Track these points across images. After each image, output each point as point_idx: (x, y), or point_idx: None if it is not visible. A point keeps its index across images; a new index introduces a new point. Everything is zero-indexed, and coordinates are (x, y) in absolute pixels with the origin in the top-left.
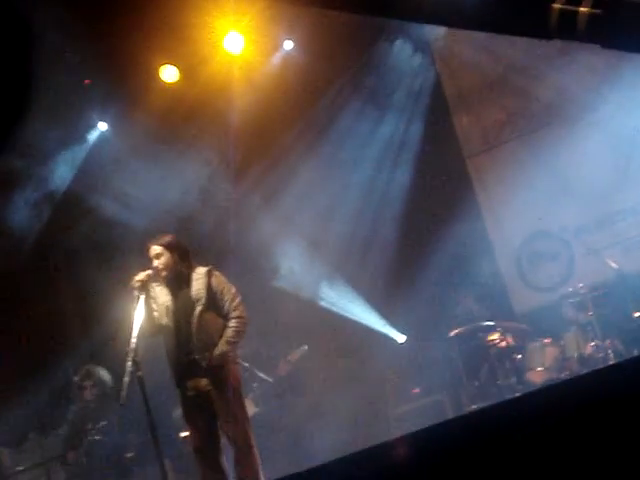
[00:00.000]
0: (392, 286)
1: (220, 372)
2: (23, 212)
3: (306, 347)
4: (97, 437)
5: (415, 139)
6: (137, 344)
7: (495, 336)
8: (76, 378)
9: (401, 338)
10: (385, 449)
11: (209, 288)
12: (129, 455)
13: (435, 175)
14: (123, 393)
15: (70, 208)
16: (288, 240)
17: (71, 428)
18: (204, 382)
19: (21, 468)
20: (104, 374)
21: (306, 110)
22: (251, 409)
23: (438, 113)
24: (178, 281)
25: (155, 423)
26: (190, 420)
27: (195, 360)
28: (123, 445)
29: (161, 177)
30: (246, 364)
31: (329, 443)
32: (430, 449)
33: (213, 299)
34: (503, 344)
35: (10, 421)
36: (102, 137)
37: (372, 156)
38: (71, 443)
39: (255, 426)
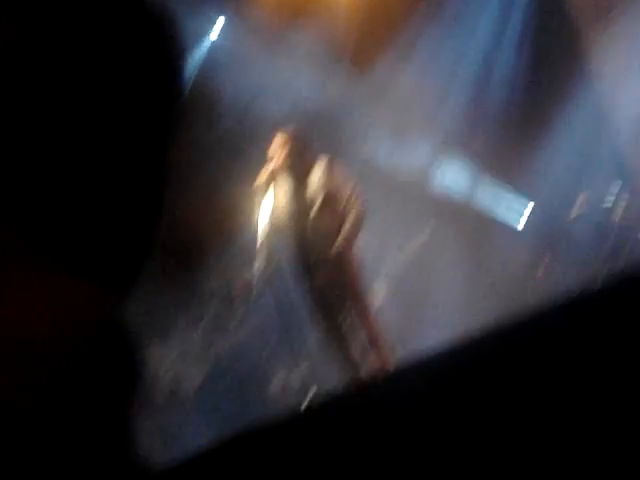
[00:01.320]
0: (515, 160)
1: (340, 266)
2: None
3: (431, 228)
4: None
5: (524, 15)
6: (264, 242)
7: (619, 213)
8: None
9: (529, 207)
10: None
11: (327, 183)
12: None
13: (548, 51)
14: (252, 291)
15: (194, 105)
16: (405, 131)
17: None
18: (326, 276)
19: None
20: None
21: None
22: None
23: None
24: (297, 177)
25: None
26: (317, 312)
27: (316, 256)
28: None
29: (278, 71)
30: (368, 256)
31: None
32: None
33: (331, 194)
34: (625, 223)
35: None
36: (222, 32)
37: (482, 34)
38: None
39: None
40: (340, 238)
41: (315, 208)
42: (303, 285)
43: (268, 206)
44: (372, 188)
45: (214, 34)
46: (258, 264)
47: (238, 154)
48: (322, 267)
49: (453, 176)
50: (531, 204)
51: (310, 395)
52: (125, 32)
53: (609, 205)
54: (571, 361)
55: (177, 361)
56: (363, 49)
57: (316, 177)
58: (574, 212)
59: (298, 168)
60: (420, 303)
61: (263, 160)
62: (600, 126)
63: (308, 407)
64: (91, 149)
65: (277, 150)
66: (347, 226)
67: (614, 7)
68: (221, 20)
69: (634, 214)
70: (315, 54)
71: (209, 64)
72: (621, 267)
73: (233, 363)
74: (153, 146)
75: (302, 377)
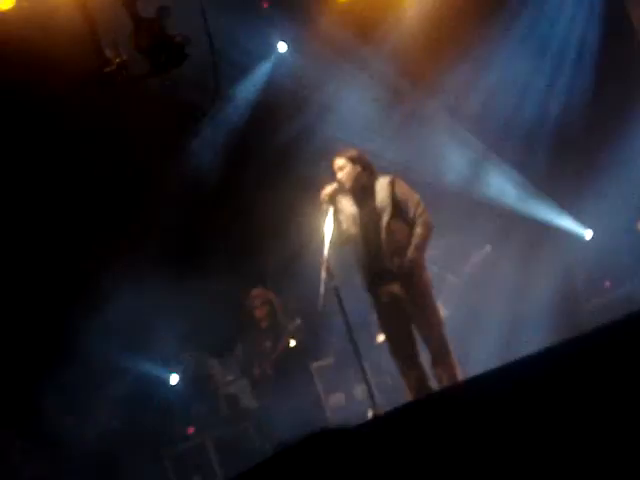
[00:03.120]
0: (574, 183)
1: (411, 278)
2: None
3: (489, 247)
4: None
5: (590, 38)
6: (329, 255)
7: None
8: (246, 302)
9: (588, 234)
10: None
11: (393, 197)
12: (330, 361)
13: (613, 72)
14: (320, 301)
15: (262, 122)
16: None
17: (247, 350)
18: (396, 288)
19: (230, 378)
20: (271, 294)
21: (478, 22)
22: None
23: (613, 7)
24: (363, 192)
25: (352, 328)
26: (385, 326)
27: (386, 267)
28: (320, 352)
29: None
30: (435, 268)
31: (527, 340)
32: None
33: (398, 207)
34: None
35: (219, 331)
36: (281, 57)
37: (547, 61)
38: (252, 362)
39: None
40: (410, 249)
41: (384, 220)
42: (373, 297)
43: (334, 220)
44: (439, 206)
45: (277, 57)
46: (324, 277)
47: (305, 171)
48: (393, 278)
49: (515, 195)
50: (590, 231)
51: (371, 413)
52: None
53: None
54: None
55: (238, 376)
56: (430, 67)
57: (382, 191)
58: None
59: (364, 182)
60: (479, 319)
61: (329, 177)
62: None
63: (370, 421)
64: None
65: (342, 166)
66: (416, 238)
67: None
68: (282, 45)
69: None
70: (381, 74)
71: (273, 86)
72: None
73: (291, 379)
74: None
75: (364, 395)
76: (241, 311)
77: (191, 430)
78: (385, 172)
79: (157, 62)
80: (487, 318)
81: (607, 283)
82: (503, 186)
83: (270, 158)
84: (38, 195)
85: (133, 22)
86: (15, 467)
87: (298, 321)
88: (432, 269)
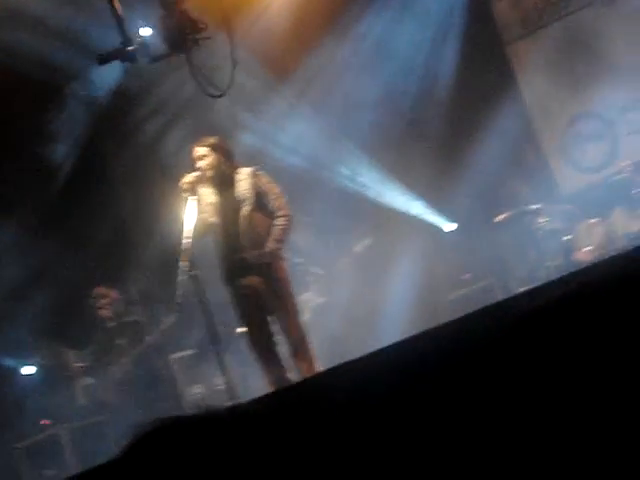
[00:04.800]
0: (436, 175)
1: (269, 269)
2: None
3: (370, 240)
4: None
5: (452, 27)
6: (190, 245)
7: (542, 219)
8: (90, 300)
9: (449, 226)
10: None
11: (255, 187)
12: (190, 352)
13: (475, 63)
14: (179, 292)
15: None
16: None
17: (98, 348)
18: (255, 279)
19: (87, 369)
20: (114, 293)
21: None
22: (317, 299)
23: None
24: (223, 181)
25: (212, 320)
26: (244, 316)
27: (244, 258)
28: (180, 343)
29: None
30: (298, 260)
31: (390, 330)
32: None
33: (259, 198)
34: (550, 227)
35: (75, 324)
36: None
37: (411, 43)
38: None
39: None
40: (269, 241)
41: (244, 211)
42: (230, 287)
43: (193, 210)
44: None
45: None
46: (182, 267)
47: (164, 162)
48: (252, 270)
49: (380, 186)
50: (453, 225)
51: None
52: None
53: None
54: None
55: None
56: (288, 53)
57: (243, 181)
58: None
59: (225, 172)
60: (356, 314)
61: (187, 168)
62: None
63: (228, 410)
64: None
65: (204, 154)
66: (276, 230)
67: (540, 20)
68: (147, 30)
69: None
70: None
71: (132, 72)
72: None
73: (149, 369)
74: None
75: (223, 387)
76: (86, 309)
77: (45, 422)
78: (247, 163)
79: (179, 42)
80: (353, 309)
81: (466, 275)
82: (367, 178)
83: (131, 147)
84: None
85: (161, 3)
86: None
87: (172, 319)
88: (294, 261)
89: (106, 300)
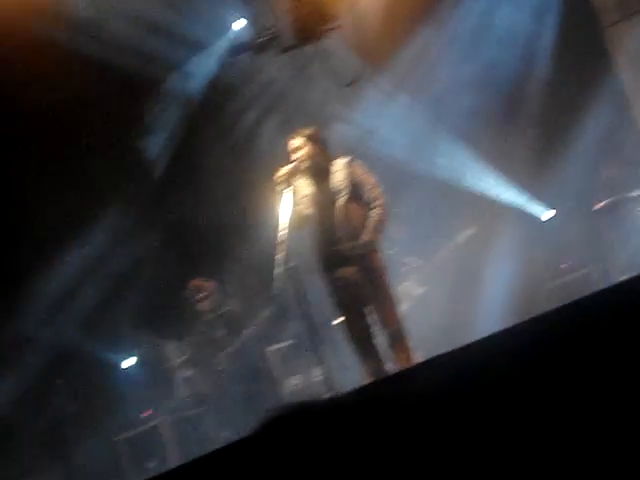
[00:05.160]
0: (533, 162)
1: (366, 260)
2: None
3: (473, 229)
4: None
5: (550, 10)
6: (286, 237)
7: None
8: (187, 293)
9: (547, 214)
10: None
11: (350, 178)
12: (287, 344)
13: (572, 47)
14: (275, 284)
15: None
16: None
17: (196, 340)
18: (351, 270)
19: (183, 360)
20: (211, 285)
21: None
22: (417, 290)
23: None
24: (319, 173)
25: (310, 312)
26: (341, 308)
27: (341, 249)
28: (277, 335)
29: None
30: (392, 251)
31: (489, 320)
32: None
33: (355, 189)
34: None
35: (173, 316)
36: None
37: (508, 27)
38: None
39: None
40: (365, 232)
41: (340, 202)
42: (327, 279)
43: (288, 202)
44: (407, 189)
45: (234, 35)
46: (279, 259)
47: (259, 154)
48: (348, 261)
49: (478, 178)
50: (551, 212)
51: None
52: None
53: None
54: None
55: (190, 362)
56: (383, 48)
57: (339, 172)
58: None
59: (321, 163)
60: (457, 304)
61: (283, 159)
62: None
63: (325, 402)
64: None
65: (300, 145)
66: (372, 220)
67: (636, 6)
68: (242, 22)
69: None
70: (337, 56)
71: (228, 66)
72: None
73: (247, 362)
74: None
75: (321, 378)
76: (184, 302)
77: (146, 413)
78: (343, 154)
79: (310, 33)
80: (452, 300)
81: (565, 264)
82: (463, 167)
83: (226, 139)
84: None
85: None
86: None
87: (267, 312)
88: (389, 252)
89: (203, 293)
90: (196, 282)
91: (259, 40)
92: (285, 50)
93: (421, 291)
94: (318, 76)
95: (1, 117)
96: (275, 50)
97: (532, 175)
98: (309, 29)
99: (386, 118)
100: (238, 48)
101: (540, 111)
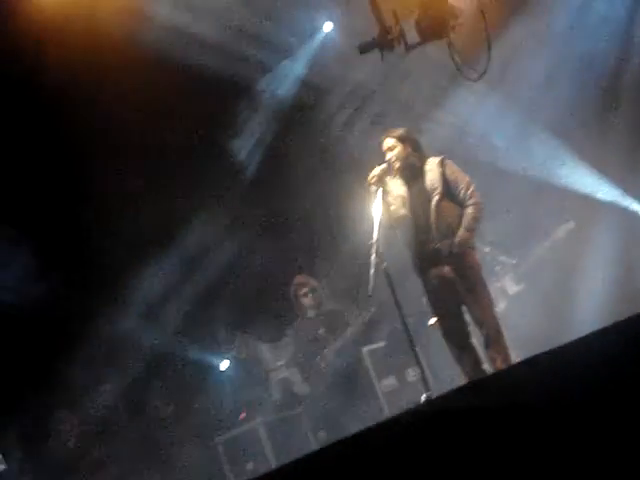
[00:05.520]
0: (630, 157)
1: (461, 259)
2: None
3: (572, 223)
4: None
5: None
6: (379, 237)
7: None
8: (292, 288)
9: None
10: None
11: (443, 177)
12: (382, 344)
13: None
14: (370, 285)
15: (301, 111)
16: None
17: (297, 339)
18: (447, 269)
19: (280, 363)
20: (314, 281)
21: None
22: (513, 288)
23: None
24: (412, 172)
25: (404, 312)
26: (437, 307)
27: (436, 249)
28: (372, 335)
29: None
30: (487, 249)
31: (587, 318)
32: None
33: (448, 188)
34: None
35: (268, 317)
36: (328, 37)
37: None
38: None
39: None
40: (461, 231)
41: (434, 201)
42: (423, 279)
43: (381, 203)
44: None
45: (321, 38)
46: (374, 259)
47: (354, 152)
48: (443, 260)
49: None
50: None
51: (425, 397)
52: None
53: None
54: None
55: (285, 363)
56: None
57: (432, 171)
58: None
59: (413, 163)
60: (554, 302)
61: (377, 159)
62: None
63: (424, 405)
64: None
65: (392, 146)
66: (467, 219)
67: None
68: (329, 25)
69: None
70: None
71: (316, 67)
72: None
73: (346, 362)
74: None
75: (416, 378)
76: (291, 299)
77: (243, 415)
78: (433, 154)
79: (439, 29)
80: (551, 297)
81: None
82: (558, 163)
83: (317, 141)
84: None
85: None
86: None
87: (371, 311)
88: (485, 250)
89: (307, 288)
90: (300, 278)
91: (388, 37)
92: (410, 48)
93: (517, 289)
94: (415, 75)
95: (101, 122)
96: (401, 47)
97: (629, 171)
98: (437, 25)
99: (480, 116)
100: (365, 46)
101: (636, 106)
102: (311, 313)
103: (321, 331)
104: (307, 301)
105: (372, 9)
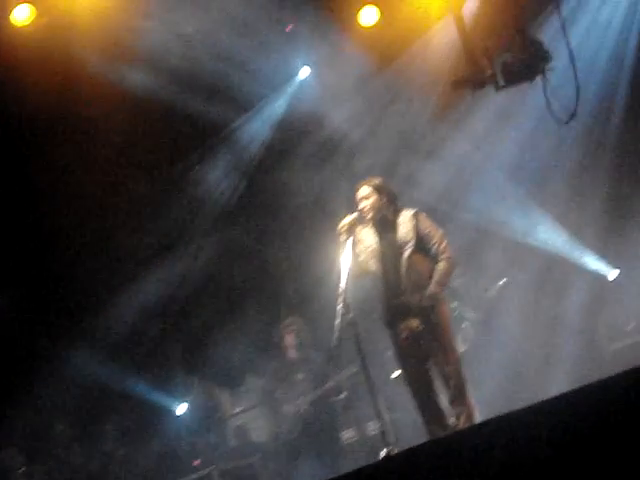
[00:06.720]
0: (601, 221)
1: (431, 313)
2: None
3: (505, 279)
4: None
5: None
6: (346, 287)
7: None
8: (280, 326)
9: (612, 274)
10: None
11: (416, 230)
12: (342, 396)
13: None
14: (335, 335)
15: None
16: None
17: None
18: (415, 323)
19: (239, 410)
20: (301, 321)
21: None
22: (460, 347)
23: None
24: (384, 224)
25: (367, 364)
26: (403, 362)
27: (406, 302)
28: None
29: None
30: (454, 304)
31: (542, 379)
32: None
33: (421, 241)
34: None
35: (228, 363)
36: (304, 83)
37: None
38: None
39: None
40: (432, 285)
41: (406, 254)
42: (391, 332)
43: (350, 253)
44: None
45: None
46: (340, 310)
47: (324, 203)
48: (413, 313)
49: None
50: (615, 271)
51: (385, 452)
52: None
53: None
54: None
55: (250, 411)
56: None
57: (405, 224)
58: None
59: (387, 214)
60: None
61: (349, 209)
62: None
63: (384, 460)
64: None
65: (367, 195)
66: (439, 273)
67: None
68: (305, 70)
69: None
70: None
71: (293, 115)
72: None
73: (315, 412)
74: None
75: (377, 432)
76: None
77: (197, 462)
78: (406, 207)
79: (534, 69)
80: (501, 356)
81: (631, 325)
82: (525, 222)
83: (292, 188)
84: None
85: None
86: None
87: (354, 369)
88: (453, 304)
89: (292, 327)
90: (291, 318)
91: (479, 77)
92: (500, 87)
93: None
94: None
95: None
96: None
97: (599, 234)
98: (535, 65)
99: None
100: (458, 83)
101: (609, 175)
102: (292, 353)
103: (300, 376)
104: (289, 339)
105: (463, 45)
